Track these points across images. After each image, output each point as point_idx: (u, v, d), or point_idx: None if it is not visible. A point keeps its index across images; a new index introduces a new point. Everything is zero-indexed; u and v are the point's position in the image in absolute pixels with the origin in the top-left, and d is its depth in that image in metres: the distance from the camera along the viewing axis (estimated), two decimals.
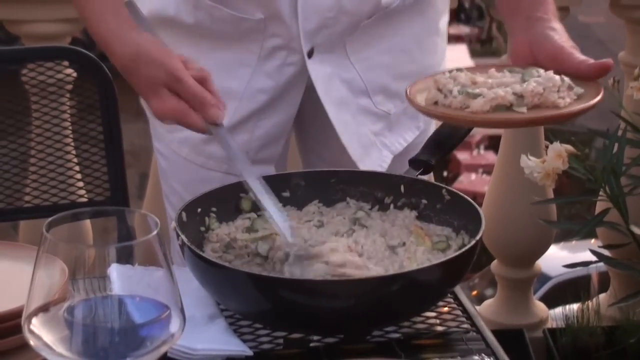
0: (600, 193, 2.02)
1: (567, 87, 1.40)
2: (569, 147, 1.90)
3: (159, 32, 1.60)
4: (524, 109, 1.37)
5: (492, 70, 1.46)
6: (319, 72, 1.67)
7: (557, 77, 1.40)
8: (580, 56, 1.47)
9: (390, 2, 1.66)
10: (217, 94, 1.43)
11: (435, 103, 1.41)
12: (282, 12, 1.61)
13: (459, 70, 1.45)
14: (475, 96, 1.38)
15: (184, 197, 1.65)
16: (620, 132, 2.08)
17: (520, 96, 1.37)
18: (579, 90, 1.41)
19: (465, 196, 1.41)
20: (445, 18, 1.81)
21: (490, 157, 14.29)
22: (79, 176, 2.00)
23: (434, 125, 1.81)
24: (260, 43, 1.65)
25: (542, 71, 1.43)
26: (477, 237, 1.30)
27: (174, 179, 1.80)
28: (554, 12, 1.56)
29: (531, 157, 1.92)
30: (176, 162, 1.77)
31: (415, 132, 1.79)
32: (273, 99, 1.69)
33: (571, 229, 2.17)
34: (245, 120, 1.70)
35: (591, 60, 1.45)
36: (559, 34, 1.51)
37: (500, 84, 1.40)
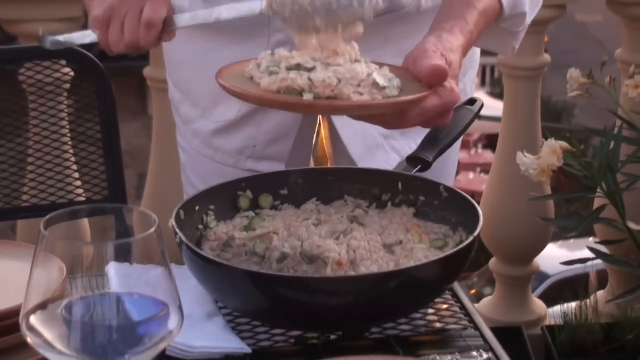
0: (597, 190, 2.03)
1: (370, 83, 1.27)
2: (564, 144, 1.91)
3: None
4: (311, 97, 1.25)
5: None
6: None
7: (361, 70, 1.27)
8: (429, 58, 1.32)
9: (404, 5, 1.65)
10: None
11: (251, 78, 1.32)
12: None
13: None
14: (272, 73, 1.29)
15: (200, 189, 1.67)
16: (616, 130, 2.09)
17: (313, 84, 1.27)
18: (391, 92, 1.27)
19: (463, 193, 1.41)
20: None
21: (488, 155, 14.29)
22: (76, 175, 2.00)
23: None
24: (266, 38, 1.66)
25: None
26: (475, 234, 1.29)
27: (191, 171, 1.84)
28: (464, 29, 1.40)
29: (527, 154, 1.93)
30: (192, 154, 1.82)
31: None
32: None
33: (568, 225, 2.18)
34: (252, 113, 1.71)
35: (431, 63, 1.30)
36: (439, 40, 1.36)
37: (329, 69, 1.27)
